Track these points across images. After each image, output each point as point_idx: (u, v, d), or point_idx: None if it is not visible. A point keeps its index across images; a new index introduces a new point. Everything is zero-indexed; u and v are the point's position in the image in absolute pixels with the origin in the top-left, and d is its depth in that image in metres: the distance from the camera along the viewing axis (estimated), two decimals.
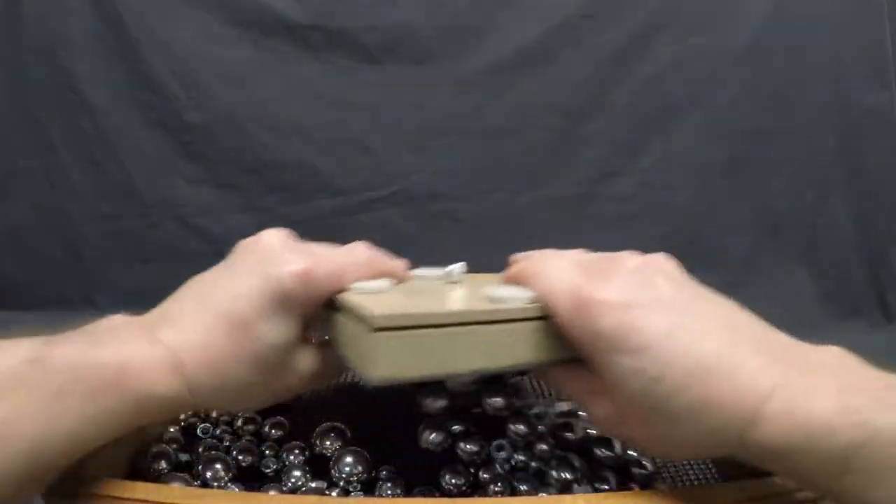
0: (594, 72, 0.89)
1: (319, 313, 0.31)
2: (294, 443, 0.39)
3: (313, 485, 0.36)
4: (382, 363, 0.27)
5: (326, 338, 0.33)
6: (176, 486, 0.31)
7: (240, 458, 0.38)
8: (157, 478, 0.35)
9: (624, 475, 0.37)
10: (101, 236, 0.87)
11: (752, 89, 0.90)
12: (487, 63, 0.88)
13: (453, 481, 0.34)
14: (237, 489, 0.36)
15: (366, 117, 0.88)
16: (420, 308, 0.28)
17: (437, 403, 0.34)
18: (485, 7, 0.87)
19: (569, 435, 0.39)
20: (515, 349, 0.29)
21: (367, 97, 0.88)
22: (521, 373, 0.37)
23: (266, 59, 0.87)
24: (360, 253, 0.32)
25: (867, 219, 0.92)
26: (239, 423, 0.42)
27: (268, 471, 0.38)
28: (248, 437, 0.41)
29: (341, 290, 0.30)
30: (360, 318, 0.27)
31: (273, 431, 0.41)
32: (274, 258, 0.30)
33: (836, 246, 0.92)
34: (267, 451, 0.39)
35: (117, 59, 0.86)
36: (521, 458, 0.36)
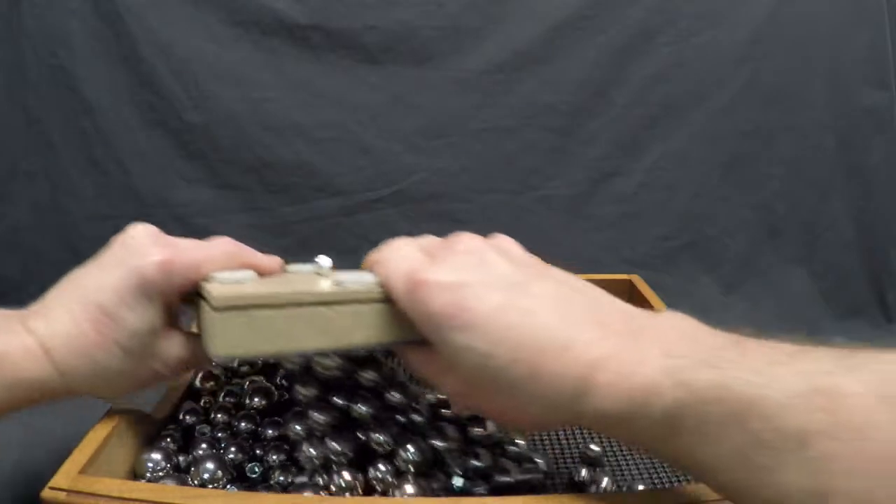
0: (594, 72, 0.89)
1: (191, 303, 0.33)
2: (273, 442, 0.39)
3: (300, 480, 0.36)
4: (222, 341, 0.29)
5: (194, 329, 0.35)
6: (176, 486, 0.31)
7: (235, 458, 0.38)
8: (156, 479, 0.35)
9: (499, 452, 0.38)
10: (101, 236, 0.87)
11: (752, 89, 0.90)
12: (487, 63, 0.88)
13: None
14: (235, 489, 0.36)
15: (366, 117, 0.88)
16: (260, 290, 0.30)
17: (308, 391, 0.36)
18: (485, 7, 0.87)
19: (445, 411, 0.39)
20: (355, 330, 0.31)
21: (367, 97, 0.88)
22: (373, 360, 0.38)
23: (266, 58, 0.87)
24: (221, 246, 0.35)
25: (867, 219, 0.92)
26: (237, 424, 0.42)
27: (253, 475, 0.38)
28: (244, 437, 0.41)
29: (201, 280, 0.32)
30: (205, 299, 0.29)
31: (270, 431, 0.41)
32: (137, 250, 0.32)
33: (836, 246, 0.92)
34: (258, 451, 0.39)
35: (117, 58, 0.86)
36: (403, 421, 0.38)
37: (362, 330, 0.31)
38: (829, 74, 0.90)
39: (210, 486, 0.35)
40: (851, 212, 0.92)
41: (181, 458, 0.38)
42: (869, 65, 0.89)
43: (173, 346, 0.34)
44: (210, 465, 0.36)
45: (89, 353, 0.31)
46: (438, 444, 0.36)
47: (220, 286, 0.30)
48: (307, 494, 0.35)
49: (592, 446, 0.39)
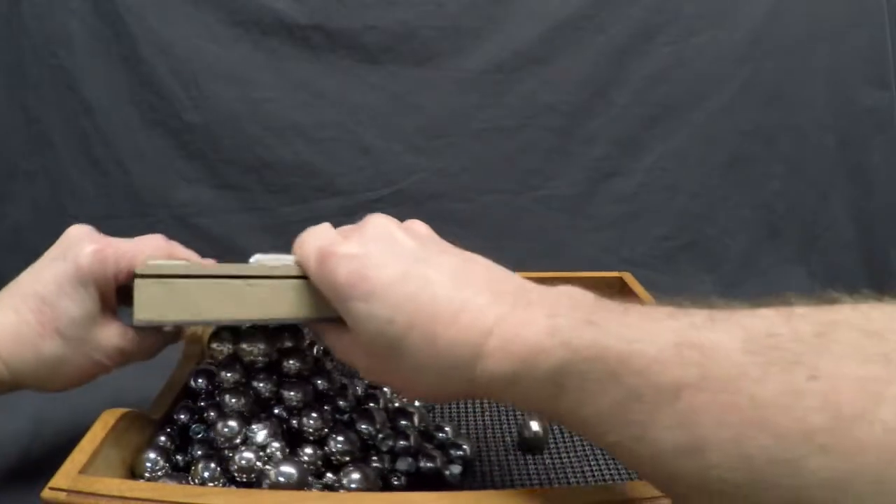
0: (594, 72, 0.89)
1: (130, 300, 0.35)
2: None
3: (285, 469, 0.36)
4: (144, 306, 0.32)
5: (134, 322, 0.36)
6: (176, 485, 0.31)
7: (232, 455, 0.38)
8: (155, 479, 0.35)
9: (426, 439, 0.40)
10: None
11: (752, 89, 0.90)
12: (487, 63, 0.88)
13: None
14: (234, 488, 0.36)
15: (366, 117, 0.88)
16: (181, 265, 0.33)
17: (231, 376, 0.38)
18: (485, 7, 0.87)
19: (371, 405, 0.40)
20: (271, 304, 0.33)
21: (367, 97, 0.88)
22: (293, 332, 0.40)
23: (266, 59, 0.87)
24: (151, 241, 0.38)
25: (867, 219, 0.92)
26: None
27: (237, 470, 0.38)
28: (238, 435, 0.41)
29: (132, 269, 0.35)
30: (133, 273, 0.32)
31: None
32: (72, 244, 0.37)
33: (836, 246, 0.92)
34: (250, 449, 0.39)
35: (117, 58, 0.86)
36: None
37: (278, 305, 0.33)
38: (829, 74, 0.90)
39: (210, 485, 0.35)
40: (851, 212, 0.92)
41: (179, 458, 0.38)
42: (869, 64, 0.89)
43: (112, 336, 0.36)
44: (207, 465, 0.36)
45: (33, 342, 0.34)
46: (366, 428, 0.38)
47: (152, 262, 0.33)
48: (307, 491, 0.35)
49: (533, 424, 0.40)
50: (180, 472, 0.37)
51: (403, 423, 0.40)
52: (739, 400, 0.20)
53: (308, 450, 0.36)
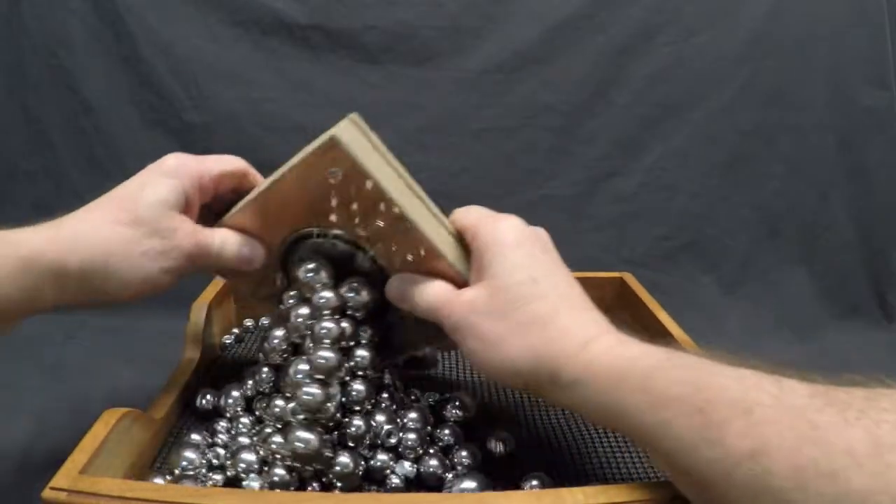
0: (594, 72, 0.89)
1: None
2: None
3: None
4: (346, 132, 0.36)
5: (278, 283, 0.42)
6: (178, 486, 0.31)
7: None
8: (198, 478, 0.36)
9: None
10: None
11: (752, 89, 0.90)
12: (487, 63, 0.88)
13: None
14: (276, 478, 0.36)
15: (366, 117, 0.88)
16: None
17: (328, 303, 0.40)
18: (485, 7, 0.87)
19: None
20: (425, 217, 0.37)
21: (367, 97, 0.88)
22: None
23: (266, 58, 0.87)
24: (232, 159, 0.44)
25: (867, 219, 0.92)
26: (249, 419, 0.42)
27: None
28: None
29: (215, 174, 0.41)
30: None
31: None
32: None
33: (836, 246, 0.92)
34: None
35: (117, 58, 0.86)
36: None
37: (430, 225, 0.37)
38: (829, 74, 0.90)
39: (243, 479, 0.36)
40: (851, 212, 0.92)
41: (210, 456, 0.39)
42: (869, 64, 0.89)
43: (185, 233, 0.38)
44: (243, 458, 0.37)
45: (109, 229, 0.36)
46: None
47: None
48: (311, 492, 0.35)
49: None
50: (215, 470, 0.37)
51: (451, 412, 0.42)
52: (800, 421, 0.24)
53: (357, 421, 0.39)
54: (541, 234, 0.38)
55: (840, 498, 0.22)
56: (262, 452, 0.37)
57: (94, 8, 0.84)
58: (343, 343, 0.40)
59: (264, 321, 0.62)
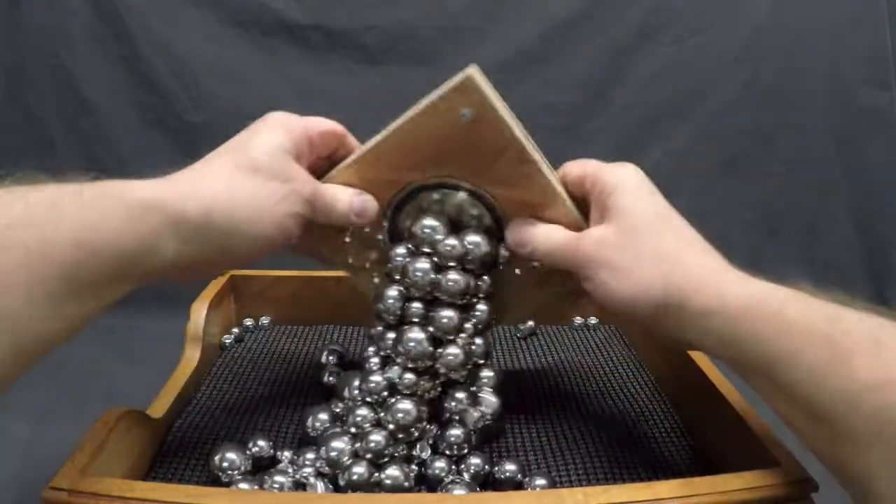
0: (594, 72, 0.89)
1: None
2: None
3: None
4: (474, 74, 0.35)
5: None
6: (179, 485, 0.31)
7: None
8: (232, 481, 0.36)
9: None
10: None
11: (752, 89, 0.90)
12: (487, 63, 0.87)
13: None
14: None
15: (366, 117, 0.87)
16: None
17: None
18: (485, 7, 0.87)
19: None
20: (546, 171, 0.39)
21: (367, 97, 0.88)
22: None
23: (266, 58, 0.87)
24: (331, 122, 0.43)
25: (867, 219, 0.92)
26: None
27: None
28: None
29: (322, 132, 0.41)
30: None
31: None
32: None
33: (836, 246, 0.92)
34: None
35: (117, 58, 0.86)
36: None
37: (550, 171, 0.39)
38: (829, 74, 0.90)
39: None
40: (851, 212, 0.92)
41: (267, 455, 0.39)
42: (869, 65, 0.89)
43: (304, 179, 0.37)
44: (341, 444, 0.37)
45: (226, 176, 0.34)
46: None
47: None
48: (311, 492, 0.35)
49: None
50: (258, 474, 0.37)
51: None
52: None
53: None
54: (656, 189, 0.40)
55: None
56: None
57: (94, 8, 0.85)
58: (468, 297, 0.39)
59: (264, 321, 0.62)
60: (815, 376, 0.27)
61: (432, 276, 0.39)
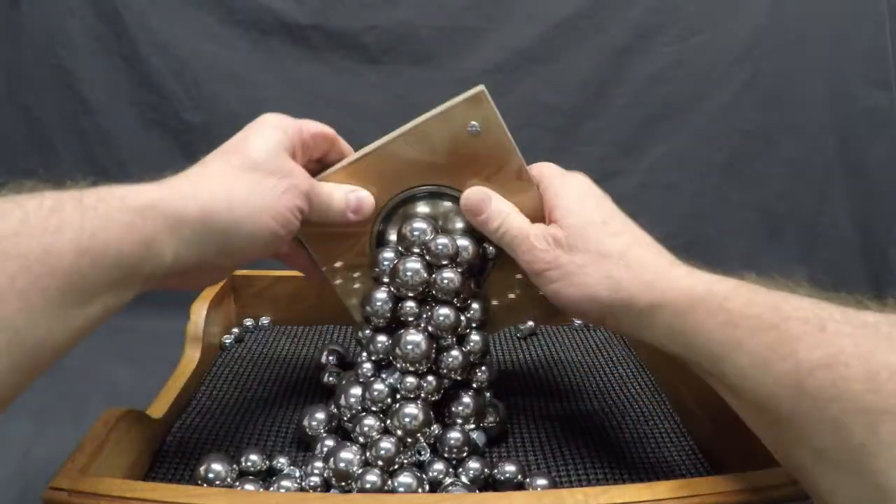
0: (594, 72, 0.89)
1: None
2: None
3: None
4: (474, 94, 0.37)
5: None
6: (178, 486, 0.31)
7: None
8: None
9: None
10: None
11: (752, 89, 0.90)
12: (487, 63, 0.88)
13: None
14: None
15: (365, 117, 0.88)
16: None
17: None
18: (485, 7, 0.87)
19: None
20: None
21: (368, 97, 0.88)
22: None
23: (265, 58, 0.87)
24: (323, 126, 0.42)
25: (867, 219, 0.92)
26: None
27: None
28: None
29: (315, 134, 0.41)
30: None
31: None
32: None
33: (836, 246, 0.92)
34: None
35: (117, 58, 0.86)
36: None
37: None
38: (829, 74, 0.90)
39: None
40: (851, 212, 0.92)
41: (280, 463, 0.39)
42: (869, 65, 0.89)
43: (301, 176, 0.37)
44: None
45: (225, 176, 0.34)
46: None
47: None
48: (307, 493, 0.35)
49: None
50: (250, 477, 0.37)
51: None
52: (873, 332, 0.25)
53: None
54: (606, 195, 0.41)
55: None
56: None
57: (94, 8, 0.85)
58: (461, 297, 0.40)
59: (264, 321, 0.62)
60: (760, 362, 0.27)
61: (424, 275, 0.39)
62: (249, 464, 0.38)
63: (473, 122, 0.38)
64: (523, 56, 0.88)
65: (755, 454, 0.34)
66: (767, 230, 0.93)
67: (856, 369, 0.24)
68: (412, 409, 0.37)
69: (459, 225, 0.41)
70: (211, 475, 0.36)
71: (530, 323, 0.60)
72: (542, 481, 0.37)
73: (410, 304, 0.39)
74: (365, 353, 0.41)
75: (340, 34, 0.86)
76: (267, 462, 0.39)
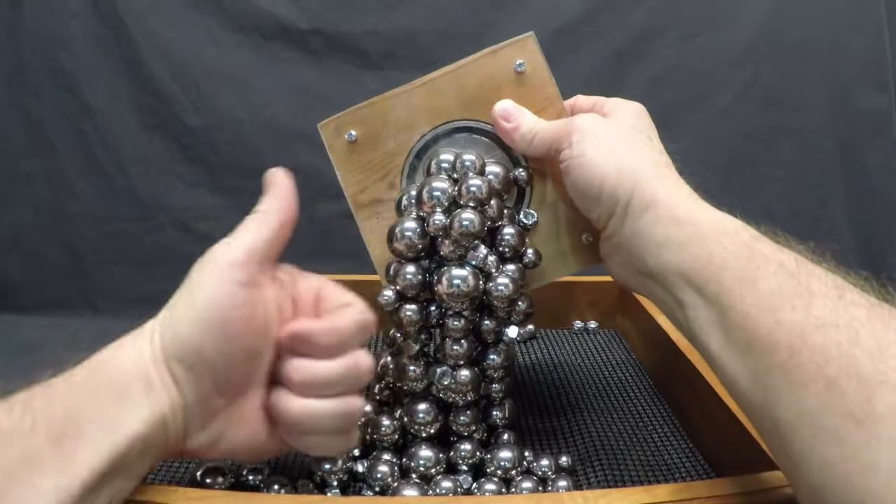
0: (595, 75, 0.89)
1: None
2: None
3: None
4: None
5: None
6: (178, 487, 0.31)
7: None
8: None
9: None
10: (102, 239, 0.87)
11: (752, 92, 0.90)
12: None
13: None
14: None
15: None
16: None
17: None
18: (484, 11, 0.87)
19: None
20: None
21: None
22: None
23: (266, 63, 0.87)
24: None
25: (867, 221, 0.92)
26: None
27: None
28: None
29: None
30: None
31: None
32: None
33: (836, 249, 0.92)
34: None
35: (118, 62, 0.86)
36: None
37: None
38: (828, 77, 0.90)
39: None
40: (851, 214, 0.92)
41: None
42: (868, 68, 0.90)
43: (267, 303, 0.29)
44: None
45: (203, 348, 0.28)
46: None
47: None
48: (311, 495, 0.35)
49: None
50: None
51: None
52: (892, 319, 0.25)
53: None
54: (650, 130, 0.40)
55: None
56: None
57: (95, 11, 0.85)
58: (490, 214, 0.38)
59: None
60: (771, 305, 0.26)
61: (450, 191, 0.37)
62: (252, 477, 0.38)
63: (520, 61, 0.40)
64: None
65: (754, 457, 0.34)
66: (767, 233, 0.93)
67: (865, 337, 0.23)
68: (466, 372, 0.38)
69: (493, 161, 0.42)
70: (210, 479, 0.36)
71: (530, 326, 0.60)
72: (563, 483, 0.37)
73: (439, 217, 0.37)
74: (396, 333, 0.40)
75: (341, 39, 0.87)
76: (264, 476, 0.38)
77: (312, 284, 0.32)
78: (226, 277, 0.28)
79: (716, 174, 0.92)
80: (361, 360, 0.29)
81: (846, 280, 0.28)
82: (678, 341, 0.48)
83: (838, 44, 0.89)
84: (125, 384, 0.26)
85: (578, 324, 0.63)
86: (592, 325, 0.62)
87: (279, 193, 0.32)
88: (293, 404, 0.29)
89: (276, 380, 0.30)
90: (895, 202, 0.92)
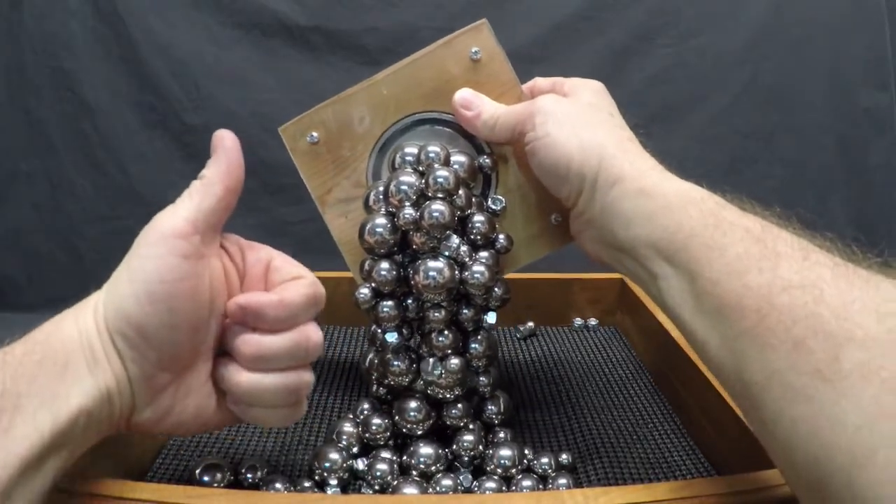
0: (594, 73, 0.89)
1: None
2: None
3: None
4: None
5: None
6: (178, 486, 0.31)
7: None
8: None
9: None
10: (102, 237, 0.87)
11: (752, 90, 0.90)
12: None
13: None
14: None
15: None
16: None
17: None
18: (485, 8, 0.87)
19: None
20: None
21: None
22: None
23: (266, 60, 0.87)
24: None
25: (867, 219, 0.92)
26: None
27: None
28: None
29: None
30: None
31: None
32: None
33: (836, 248, 0.92)
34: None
35: (117, 60, 0.86)
36: None
37: None
38: (828, 76, 0.90)
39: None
40: (851, 213, 0.92)
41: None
42: (868, 66, 0.89)
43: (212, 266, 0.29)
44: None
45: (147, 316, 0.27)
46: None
47: None
48: (311, 493, 0.35)
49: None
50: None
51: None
52: (849, 271, 0.26)
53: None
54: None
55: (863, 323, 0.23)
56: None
57: (94, 10, 0.85)
58: (459, 203, 0.38)
59: None
60: (741, 269, 0.27)
61: (417, 184, 0.38)
62: (250, 477, 0.38)
63: (475, 48, 0.40)
64: (522, 57, 0.88)
65: (755, 455, 0.34)
66: None
67: (830, 296, 0.24)
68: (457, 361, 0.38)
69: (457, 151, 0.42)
70: (208, 477, 0.36)
71: (530, 324, 0.60)
72: (563, 481, 0.37)
73: (408, 211, 0.37)
74: (378, 329, 0.40)
75: (341, 36, 0.87)
76: (263, 475, 0.38)
77: (262, 256, 0.31)
78: (168, 249, 0.28)
79: (716, 172, 0.92)
80: (311, 333, 0.29)
81: (812, 242, 0.28)
82: (678, 339, 0.48)
83: (838, 43, 0.89)
84: (68, 358, 0.26)
85: (578, 321, 0.63)
86: (592, 322, 0.62)
87: (225, 158, 0.31)
88: (241, 377, 0.28)
89: (223, 351, 0.29)
90: (895, 200, 0.92)
